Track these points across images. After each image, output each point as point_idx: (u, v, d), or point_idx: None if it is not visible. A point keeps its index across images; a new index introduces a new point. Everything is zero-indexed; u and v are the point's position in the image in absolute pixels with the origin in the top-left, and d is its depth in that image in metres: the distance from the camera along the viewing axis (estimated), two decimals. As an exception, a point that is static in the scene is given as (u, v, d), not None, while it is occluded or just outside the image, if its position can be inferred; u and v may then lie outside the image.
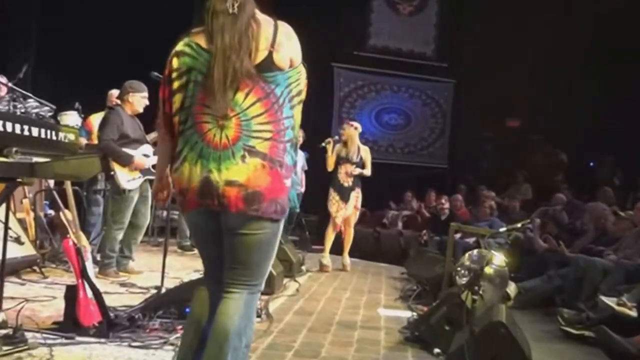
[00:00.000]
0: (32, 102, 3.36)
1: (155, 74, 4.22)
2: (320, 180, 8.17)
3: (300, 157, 8.71)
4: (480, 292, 3.79)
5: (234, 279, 2.27)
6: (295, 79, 2.25)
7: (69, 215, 3.97)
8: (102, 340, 3.40)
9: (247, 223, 2.20)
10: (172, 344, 3.39)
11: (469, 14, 12.62)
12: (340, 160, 7.40)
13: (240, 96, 2.16)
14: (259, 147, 2.16)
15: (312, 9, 11.27)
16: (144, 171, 5.58)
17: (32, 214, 5.76)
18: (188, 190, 2.21)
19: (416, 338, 4.02)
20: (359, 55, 13.34)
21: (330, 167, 7.42)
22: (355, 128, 7.52)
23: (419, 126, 13.94)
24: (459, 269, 5.06)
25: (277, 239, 2.30)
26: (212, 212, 2.22)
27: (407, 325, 4.37)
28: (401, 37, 13.66)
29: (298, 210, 8.35)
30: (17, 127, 2.67)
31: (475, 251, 5.24)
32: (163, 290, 4.44)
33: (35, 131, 2.83)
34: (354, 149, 7.42)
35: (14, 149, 2.64)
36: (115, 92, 6.29)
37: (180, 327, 3.62)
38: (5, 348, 2.96)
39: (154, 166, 5.61)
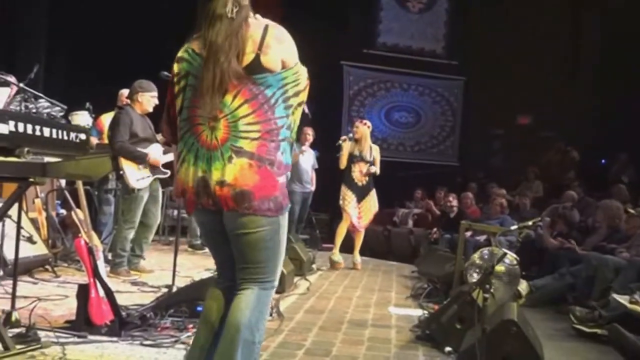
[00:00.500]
0: (43, 102, 3.37)
1: (165, 73, 4.21)
2: (330, 179, 8.18)
3: (311, 156, 8.72)
4: (492, 290, 3.77)
5: (245, 277, 2.30)
6: (292, 80, 2.27)
7: (80, 215, 4.00)
8: (114, 339, 3.42)
9: (243, 222, 2.23)
10: (183, 343, 3.40)
11: (479, 11, 12.57)
12: (353, 159, 7.40)
13: (228, 98, 2.20)
14: (247, 147, 2.19)
15: (321, 8, 11.27)
16: (154, 170, 5.60)
17: (44, 214, 5.80)
18: (187, 191, 2.27)
19: (427, 336, 4.00)
20: (368, 53, 13.32)
21: (343, 165, 7.41)
22: (368, 127, 7.54)
23: (429, 124, 13.91)
24: (469, 267, 5.06)
25: (281, 234, 2.31)
26: (211, 211, 2.27)
27: (418, 324, 4.37)
28: (411, 34, 13.62)
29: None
30: (29, 127, 2.69)
31: (486, 249, 5.24)
32: (174, 289, 4.45)
33: (46, 131, 2.84)
34: (367, 148, 7.42)
35: (26, 149, 2.65)
36: (125, 92, 6.31)
37: (191, 325, 3.64)
38: (18, 347, 2.98)
39: (163, 165, 5.64)
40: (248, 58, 2.21)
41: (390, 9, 13.56)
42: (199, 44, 2.26)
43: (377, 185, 7.65)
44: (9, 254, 4.57)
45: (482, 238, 7.18)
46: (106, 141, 5.99)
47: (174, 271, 4.64)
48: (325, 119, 9.71)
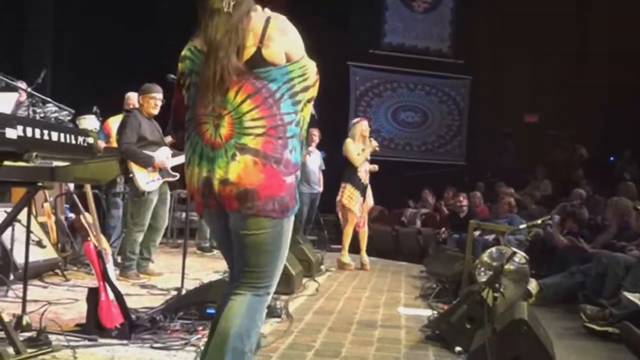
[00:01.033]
0: (51, 107, 3.39)
1: (172, 76, 4.22)
2: (337, 180, 8.17)
3: (318, 157, 8.72)
4: (501, 289, 3.76)
5: (241, 280, 2.24)
6: (299, 74, 2.19)
7: (89, 218, 4.01)
8: (124, 341, 3.43)
9: (246, 223, 2.16)
10: (193, 345, 3.40)
11: (484, 10, 12.54)
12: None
13: (231, 94, 2.13)
14: (251, 143, 2.12)
15: (326, 8, 11.27)
16: (163, 173, 5.62)
17: (53, 218, 5.82)
18: (194, 193, 2.22)
19: (437, 336, 3.99)
20: (374, 53, 13.32)
21: (358, 163, 7.33)
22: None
23: (436, 123, 13.89)
24: (479, 266, 5.04)
25: (283, 238, 2.22)
26: (217, 212, 2.22)
27: (427, 324, 4.35)
28: (416, 34, 13.62)
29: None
30: (37, 131, 2.69)
31: (495, 248, 5.22)
32: (183, 292, 4.46)
33: (54, 135, 2.84)
34: (368, 145, 7.42)
35: (34, 154, 2.65)
36: (132, 95, 6.33)
37: (201, 327, 3.64)
38: (29, 350, 2.98)
39: (172, 168, 5.66)
40: (249, 52, 2.14)
41: (395, 9, 13.57)
42: (201, 40, 2.20)
43: (384, 185, 7.65)
44: (19, 258, 4.59)
45: (490, 237, 7.16)
46: (114, 144, 6.02)
47: (183, 274, 4.65)
48: (332, 120, 9.68)
